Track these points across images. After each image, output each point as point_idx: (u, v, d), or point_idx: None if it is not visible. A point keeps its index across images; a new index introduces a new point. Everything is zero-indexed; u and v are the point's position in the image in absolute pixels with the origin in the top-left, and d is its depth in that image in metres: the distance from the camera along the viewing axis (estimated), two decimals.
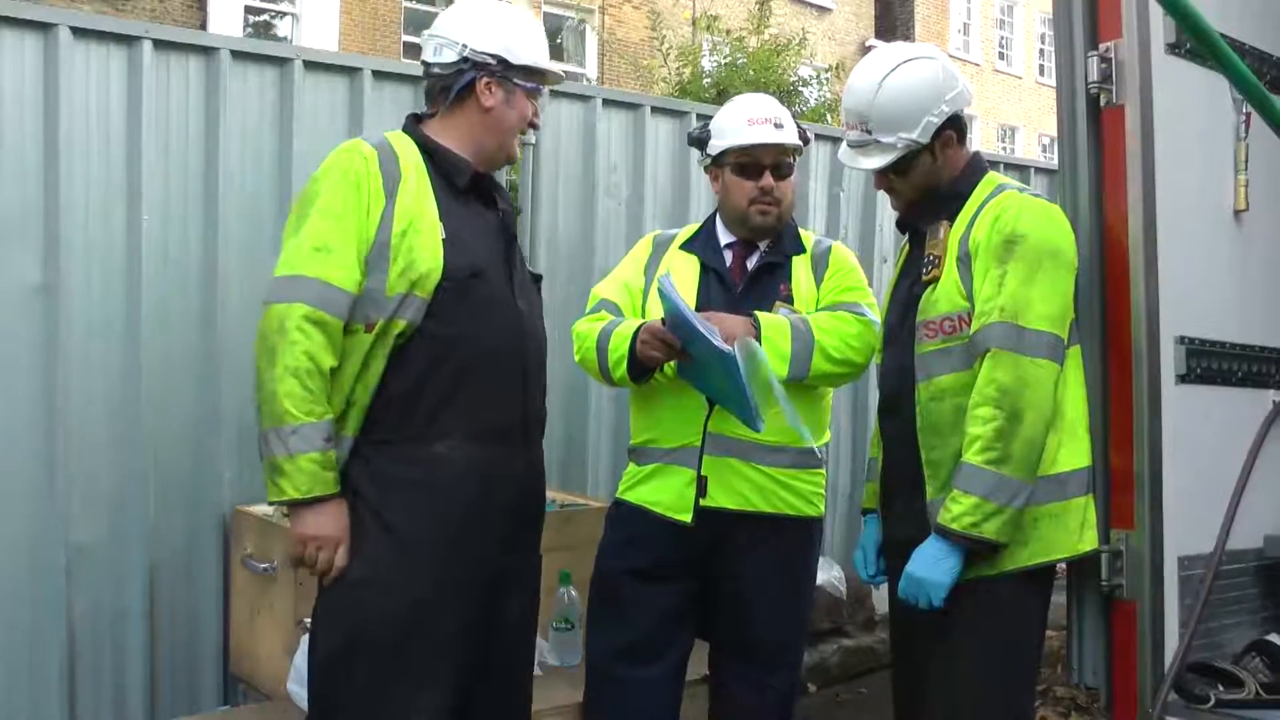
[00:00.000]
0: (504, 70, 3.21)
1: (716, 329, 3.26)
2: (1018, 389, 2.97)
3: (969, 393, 3.05)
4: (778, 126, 3.66)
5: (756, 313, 3.49)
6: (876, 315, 3.62)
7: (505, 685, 3.31)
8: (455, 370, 3.07)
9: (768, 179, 3.65)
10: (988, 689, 3.09)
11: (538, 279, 3.45)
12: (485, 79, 3.20)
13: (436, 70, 3.24)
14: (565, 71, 3.54)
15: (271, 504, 3.04)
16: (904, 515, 3.27)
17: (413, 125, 3.29)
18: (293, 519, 3.01)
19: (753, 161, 3.67)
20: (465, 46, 3.20)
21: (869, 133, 3.23)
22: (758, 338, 3.40)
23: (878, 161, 3.25)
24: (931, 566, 3.03)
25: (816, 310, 3.65)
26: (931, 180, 3.28)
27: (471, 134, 3.23)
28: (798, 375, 3.49)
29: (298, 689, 3.93)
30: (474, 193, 3.24)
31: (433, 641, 3.03)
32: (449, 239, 3.07)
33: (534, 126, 3.37)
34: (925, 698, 3.21)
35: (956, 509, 2.99)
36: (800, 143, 3.72)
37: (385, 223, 3.02)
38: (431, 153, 3.20)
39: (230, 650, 4.64)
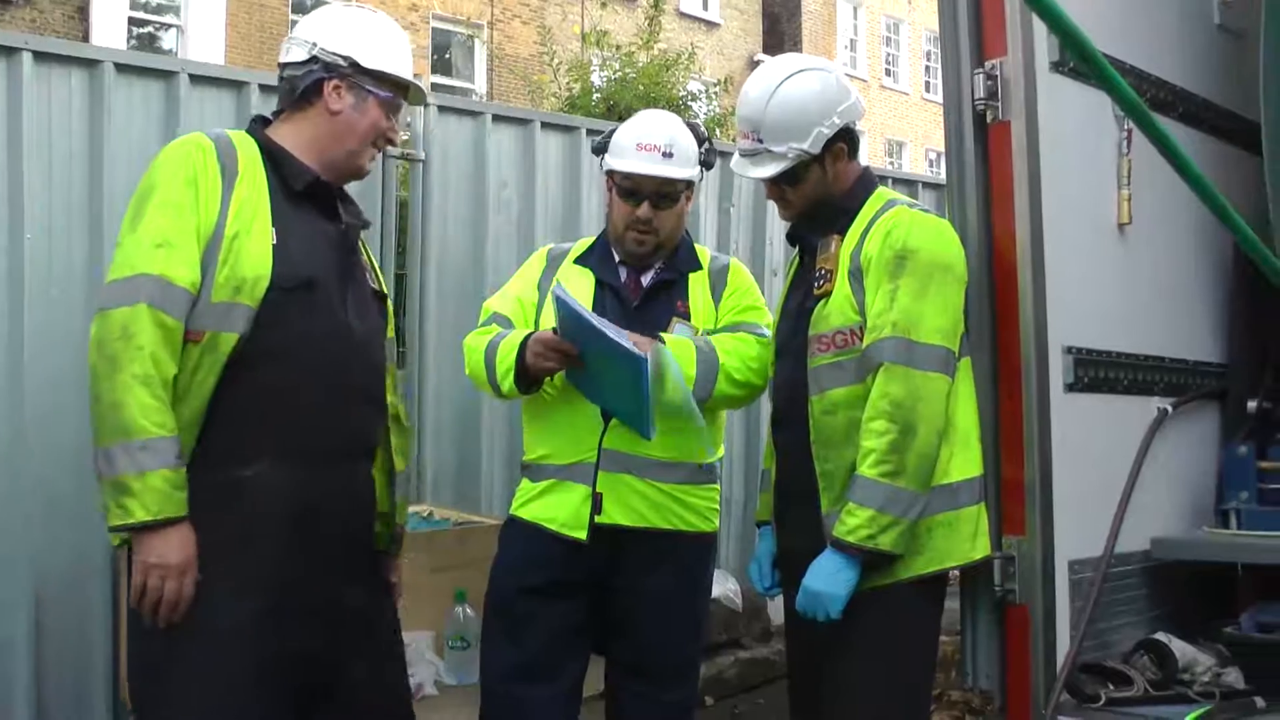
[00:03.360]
0: (355, 74, 3.00)
1: (627, 334, 3.26)
2: (911, 402, 3.00)
3: (861, 406, 3.07)
4: (666, 155, 3.56)
5: (661, 334, 3.45)
6: None
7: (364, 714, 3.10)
8: (269, 387, 2.83)
9: (645, 209, 3.57)
10: (885, 697, 3.11)
11: (381, 297, 3.25)
12: (334, 81, 2.99)
13: (287, 71, 3.03)
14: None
15: (112, 529, 2.74)
16: (799, 527, 3.28)
17: (256, 126, 3.07)
18: (137, 545, 2.72)
19: (635, 188, 3.59)
20: (315, 45, 3.00)
21: (760, 142, 3.23)
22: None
23: (768, 171, 3.25)
24: (828, 579, 3.04)
25: (716, 328, 3.65)
26: (822, 191, 3.28)
27: (316, 138, 3.02)
28: (700, 398, 3.45)
29: None
30: (313, 200, 3.01)
31: (240, 674, 2.77)
32: (279, 245, 2.86)
33: (390, 142, 3.17)
34: (823, 707, 3.23)
35: (852, 522, 3.01)
36: (689, 177, 3.62)
37: (220, 220, 2.81)
38: (270, 154, 2.98)
39: (120, 679, 4.52)
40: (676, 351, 3.39)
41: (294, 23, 21.01)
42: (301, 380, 2.89)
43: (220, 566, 2.78)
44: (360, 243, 3.22)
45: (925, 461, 3.02)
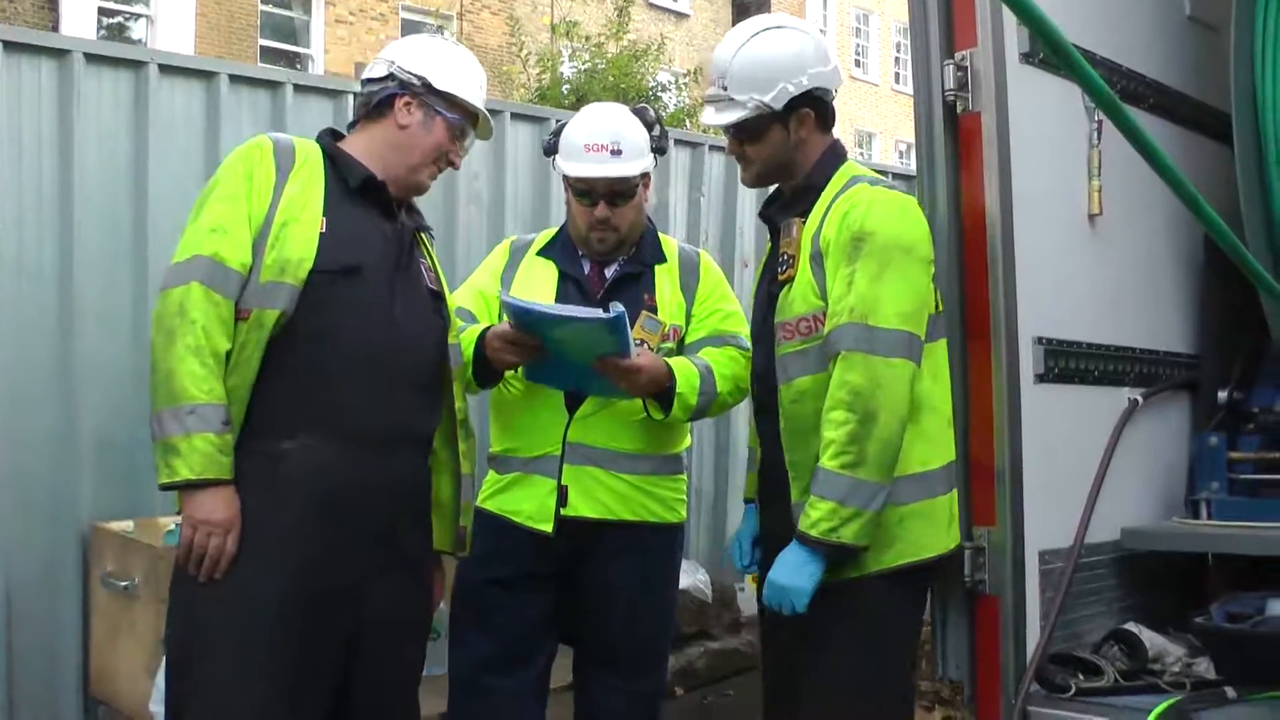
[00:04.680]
0: (426, 93, 3.18)
1: (599, 310, 3.25)
2: (870, 390, 2.94)
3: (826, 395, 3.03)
4: (616, 153, 3.54)
5: (668, 360, 3.45)
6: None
7: (375, 711, 3.17)
8: (312, 365, 2.98)
9: (602, 209, 3.57)
10: (858, 692, 3.08)
11: (440, 297, 3.32)
12: (406, 97, 3.17)
13: (366, 87, 3.24)
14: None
15: (162, 487, 2.91)
16: (779, 512, 3.23)
17: (325, 136, 3.27)
18: (184, 503, 2.90)
19: (589, 189, 3.58)
20: (394, 63, 3.19)
21: (725, 89, 3.19)
22: (674, 390, 3.42)
23: (728, 118, 3.19)
24: (793, 573, 3.00)
25: (691, 331, 3.68)
26: (783, 155, 3.22)
27: (383, 149, 3.19)
28: (690, 419, 3.60)
29: (160, 709, 3.85)
30: (371, 199, 3.16)
31: (269, 641, 2.90)
32: (328, 233, 3.02)
33: (453, 164, 3.31)
34: (797, 699, 3.22)
35: (814, 514, 2.97)
36: (641, 170, 3.61)
37: (271, 209, 3.00)
38: (331, 155, 3.17)
39: (91, 672, 4.50)
40: (684, 385, 3.44)
41: (264, 14, 20.98)
42: (341, 362, 3.02)
43: (256, 534, 2.93)
44: (425, 245, 3.36)
45: (887, 450, 2.96)
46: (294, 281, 2.96)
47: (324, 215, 3.05)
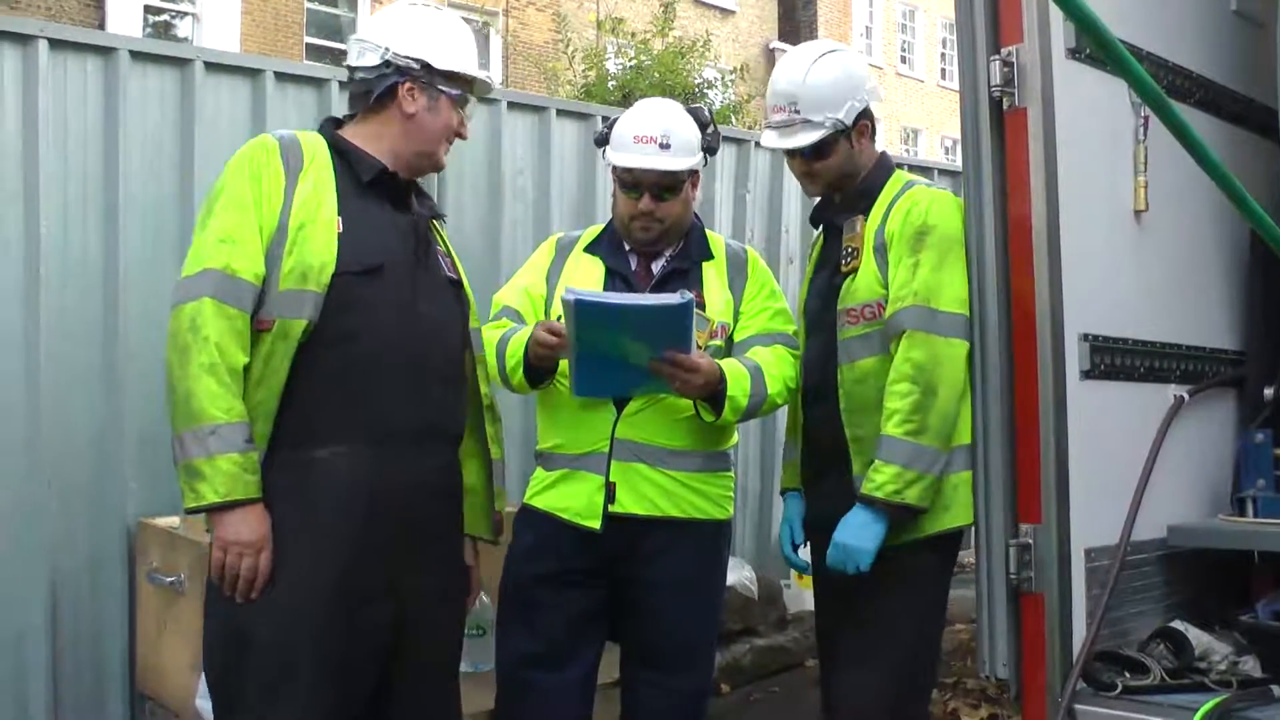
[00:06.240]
0: (427, 76, 3.11)
1: (668, 295, 3.24)
2: (932, 366, 3.24)
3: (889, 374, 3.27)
4: (664, 147, 3.54)
5: (720, 362, 3.42)
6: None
7: (415, 703, 3.18)
8: (341, 370, 2.94)
9: (646, 201, 3.57)
10: (916, 637, 3.40)
11: (458, 284, 3.31)
12: (408, 84, 3.09)
13: (359, 74, 3.13)
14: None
15: (188, 511, 2.86)
16: (833, 492, 3.42)
17: (327, 127, 3.20)
18: (213, 525, 2.84)
19: (634, 181, 3.58)
20: (388, 50, 3.09)
21: (798, 113, 3.42)
22: (725, 389, 3.40)
23: (805, 139, 3.43)
24: (857, 533, 3.25)
25: (740, 329, 3.66)
26: (848, 166, 3.51)
27: (392, 139, 3.13)
28: (740, 421, 3.61)
29: (205, 704, 3.88)
30: (383, 192, 3.11)
31: (310, 650, 2.89)
32: (345, 233, 2.97)
33: (460, 136, 3.26)
34: (850, 652, 3.44)
35: (880, 478, 3.24)
36: (689, 167, 3.60)
37: (284, 213, 2.93)
38: (340, 151, 3.10)
39: (136, 667, 4.54)
40: (735, 386, 3.43)
41: (309, 11, 21.09)
42: (371, 363, 2.98)
43: (293, 546, 2.90)
44: (438, 233, 3.34)
45: (946, 421, 3.26)
46: (317, 288, 2.90)
47: (339, 214, 2.99)
